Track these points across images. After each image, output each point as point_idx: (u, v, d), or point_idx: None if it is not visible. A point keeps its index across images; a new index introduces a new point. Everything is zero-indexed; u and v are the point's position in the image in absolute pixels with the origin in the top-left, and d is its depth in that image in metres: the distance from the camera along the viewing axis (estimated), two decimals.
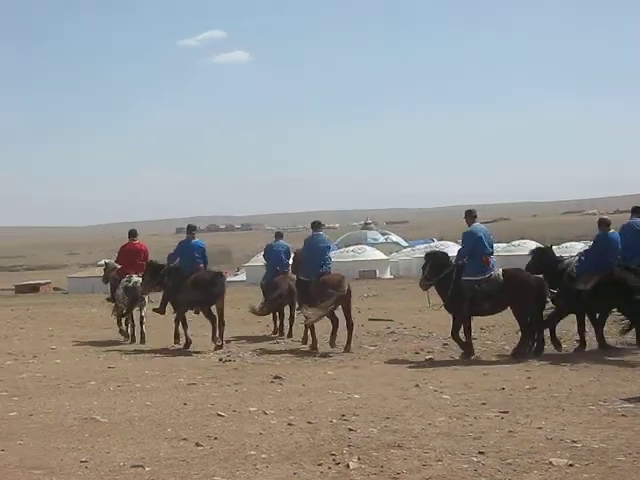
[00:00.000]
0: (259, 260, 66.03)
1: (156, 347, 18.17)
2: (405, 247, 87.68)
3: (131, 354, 17.14)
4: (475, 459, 7.88)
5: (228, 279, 20.49)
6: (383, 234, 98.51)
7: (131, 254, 20.59)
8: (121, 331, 20.28)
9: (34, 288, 72.55)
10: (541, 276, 15.90)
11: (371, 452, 8.25)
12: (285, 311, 20.25)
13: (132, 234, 21.09)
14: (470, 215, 16.08)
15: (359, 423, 9.61)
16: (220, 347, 17.37)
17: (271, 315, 20.73)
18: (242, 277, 69.73)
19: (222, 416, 10.24)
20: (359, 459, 7.99)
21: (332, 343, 16.93)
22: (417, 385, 12.15)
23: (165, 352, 17.43)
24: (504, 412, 9.96)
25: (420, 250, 64.11)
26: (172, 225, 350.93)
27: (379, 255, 71.67)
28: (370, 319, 22.25)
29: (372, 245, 80.00)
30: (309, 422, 9.78)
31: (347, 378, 13.18)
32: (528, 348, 15.25)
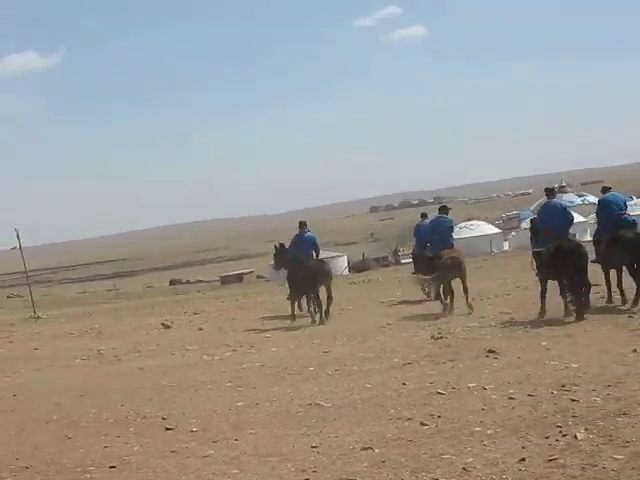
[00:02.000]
0: (455, 233, 65.69)
1: (361, 329, 18.45)
2: None
3: (343, 338, 17.42)
4: None
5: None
6: (579, 196, 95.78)
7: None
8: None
9: (239, 278, 74.70)
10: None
11: (597, 422, 8.21)
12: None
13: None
14: (546, 190, 18.64)
15: (580, 393, 9.56)
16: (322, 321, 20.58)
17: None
18: None
19: (442, 394, 10.38)
20: (586, 429, 7.97)
21: (451, 308, 19.63)
22: (635, 350, 11.89)
23: (374, 333, 17.59)
24: None
25: None
26: (366, 204, 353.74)
27: (577, 217, 69.99)
28: None
29: (569, 208, 78.26)
30: (529, 395, 9.80)
31: (562, 347, 13.04)
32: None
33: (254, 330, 20.74)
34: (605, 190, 19.09)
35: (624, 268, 17.45)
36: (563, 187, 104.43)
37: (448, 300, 19.91)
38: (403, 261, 76.61)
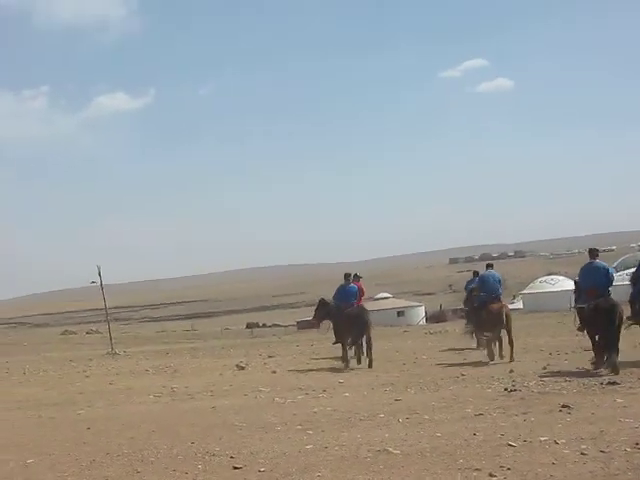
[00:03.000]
0: (535, 287, 65.18)
1: (435, 378, 18.36)
2: None
3: (416, 386, 17.34)
4: None
5: None
6: None
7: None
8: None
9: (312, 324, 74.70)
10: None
11: None
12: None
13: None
14: (589, 251, 19.27)
15: None
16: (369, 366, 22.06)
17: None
18: (518, 305, 67.96)
19: (513, 446, 10.23)
20: None
21: (500, 355, 21.62)
22: None
23: (448, 383, 17.53)
24: None
25: None
26: (446, 255, 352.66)
27: None
28: None
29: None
30: (602, 451, 9.63)
31: (638, 406, 12.83)
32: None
33: (327, 375, 20.78)
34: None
35: None
36: None
37: (496, 348, 21.86)
38: None
